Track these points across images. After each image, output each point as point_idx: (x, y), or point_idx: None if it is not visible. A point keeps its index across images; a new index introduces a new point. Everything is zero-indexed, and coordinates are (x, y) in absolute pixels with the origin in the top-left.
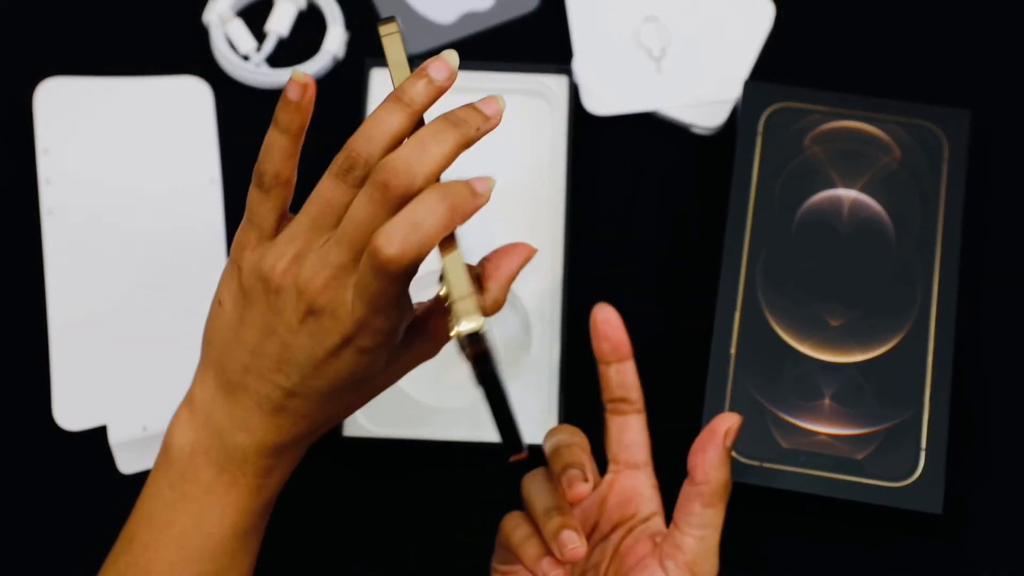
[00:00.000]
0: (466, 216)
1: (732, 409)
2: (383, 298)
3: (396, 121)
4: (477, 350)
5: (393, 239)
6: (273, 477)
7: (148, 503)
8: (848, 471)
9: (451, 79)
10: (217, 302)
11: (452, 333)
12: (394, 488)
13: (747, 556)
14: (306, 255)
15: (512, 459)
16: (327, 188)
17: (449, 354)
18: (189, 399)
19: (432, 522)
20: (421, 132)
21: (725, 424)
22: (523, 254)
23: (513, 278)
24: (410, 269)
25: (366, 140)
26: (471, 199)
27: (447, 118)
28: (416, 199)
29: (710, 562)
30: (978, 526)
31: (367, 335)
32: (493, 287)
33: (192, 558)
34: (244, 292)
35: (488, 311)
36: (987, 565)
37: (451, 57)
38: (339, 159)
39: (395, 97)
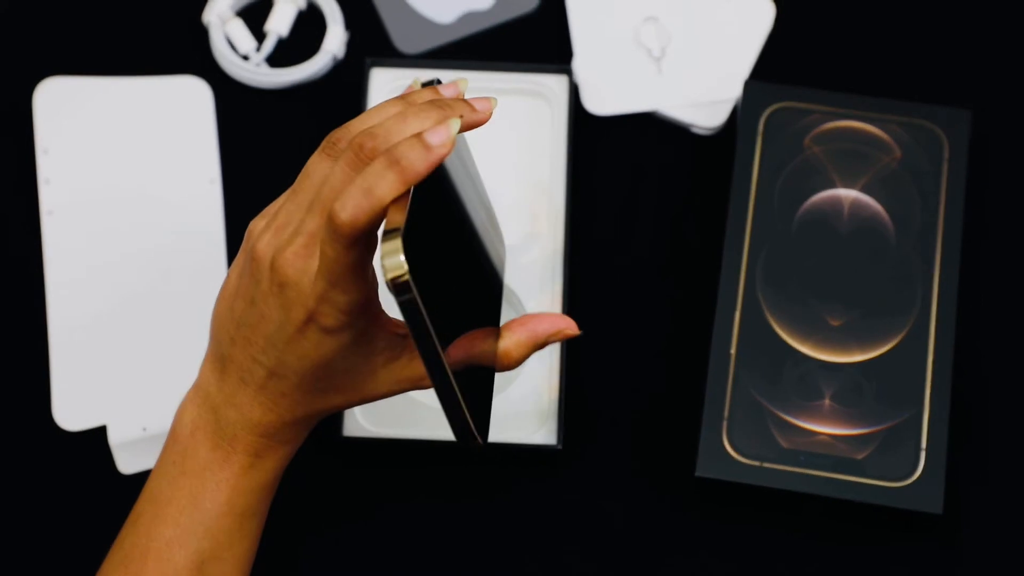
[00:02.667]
0: (420, 174)
1: (732, 409)
2: (339, 267)
3: (393, 110)
4: (398, 284)
5: (347, 204)
6: (265, 459)
7: (154, 482)
8: (848, 471)
9: (457, 96)
10: (228, 274)
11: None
12: (393, 488)
13: (747, 556)
14: (286, 225)
15: (469, 445)
16: (311, 161)
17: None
18: (197, 380)
19: (431, 522)
20: (406, 108)
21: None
22: (558, 324)
23: (536, 342)
24: (363, 233)
25: (359, 121)
26: (423, 157)
27: (435, 101)
28: (368, 165)
29: None
30: (978, 526)
31: (328, 312)
32: (507, 338)
33: (188, 534)
34: (245, 261)
35: (497, 364)
36: (986, 566)
37: (463, 84)
38: (329, 135)
39: (402, 95)
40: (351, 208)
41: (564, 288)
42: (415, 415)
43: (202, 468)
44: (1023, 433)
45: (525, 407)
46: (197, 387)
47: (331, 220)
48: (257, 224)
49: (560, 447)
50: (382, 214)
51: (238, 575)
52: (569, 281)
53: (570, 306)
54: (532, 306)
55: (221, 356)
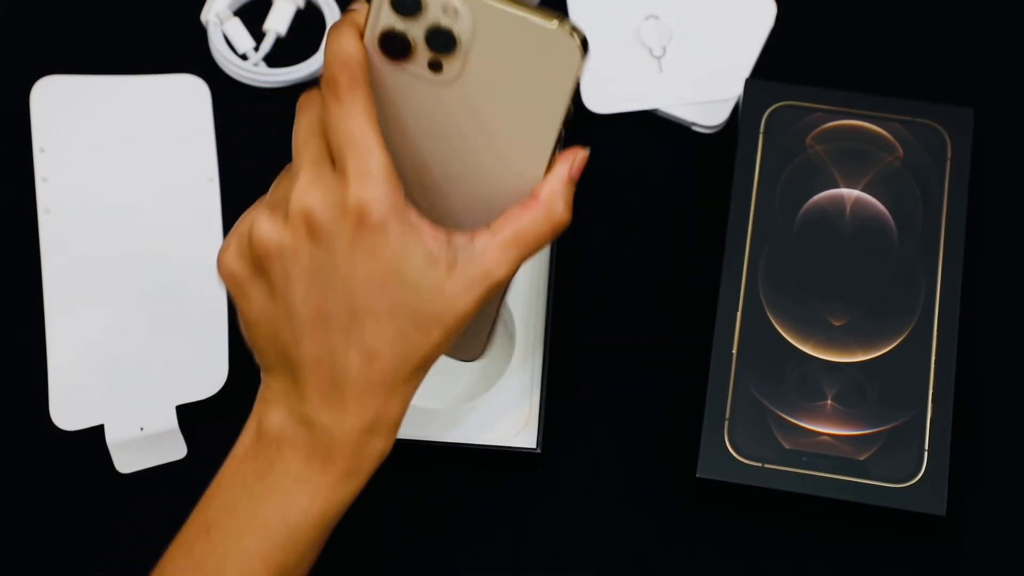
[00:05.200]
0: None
1: (734, 409)
2: None
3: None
4: None
5: None
6: (361, 465)
7: (229, 492)
8: (850, 472)
9: None
10: (240, 305)
11: None
12: (390, 489)
13: (749, 556)
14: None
15: None
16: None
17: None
18: (263, 393)
19: (428, 524)
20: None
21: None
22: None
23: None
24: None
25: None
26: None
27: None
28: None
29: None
30: (980, 528)
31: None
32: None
33: (275, 548)
34: (253, 261)
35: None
36: (989, 567)
37: None
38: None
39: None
40: None
41: (549, 288)
42: (413, 416)
43: (293, 481)
44: None
45: (508, 410)
46: (269, 400)
47: None
48: (245, 231)
49: (539, 451)
50: None
51: None
52: (569, 281)
53: (570, 305)
54: (533, 304)
55: (288, 365)
